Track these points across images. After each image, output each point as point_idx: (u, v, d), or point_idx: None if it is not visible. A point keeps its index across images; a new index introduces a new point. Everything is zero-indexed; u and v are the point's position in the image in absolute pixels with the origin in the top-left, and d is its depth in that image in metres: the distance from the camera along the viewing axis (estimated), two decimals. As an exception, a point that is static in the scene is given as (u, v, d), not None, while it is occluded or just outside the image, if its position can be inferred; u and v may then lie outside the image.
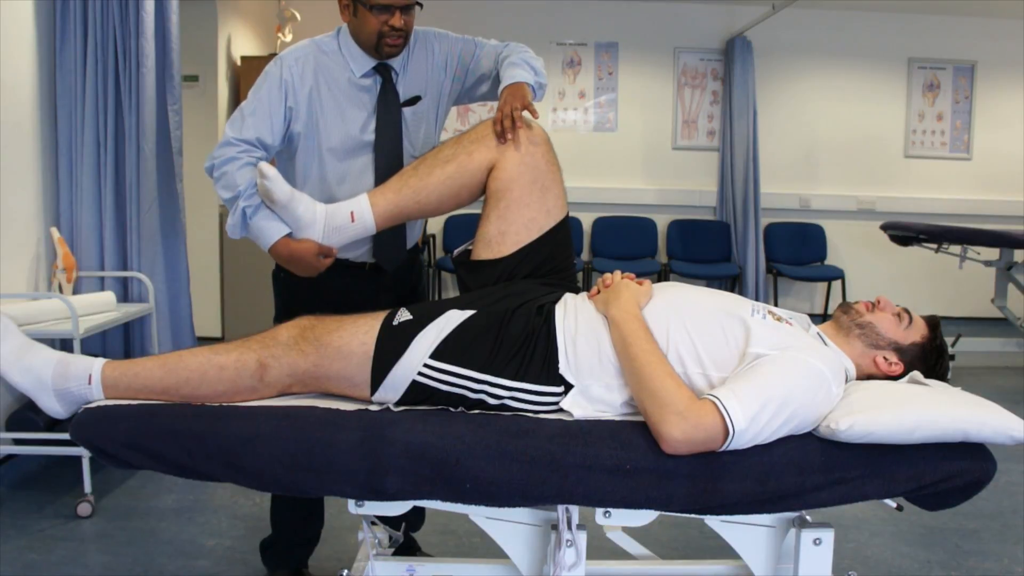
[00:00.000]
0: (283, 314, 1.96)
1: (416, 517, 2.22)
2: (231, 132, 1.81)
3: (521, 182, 1.68)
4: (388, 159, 1.90)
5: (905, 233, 4.75)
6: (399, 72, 1.93)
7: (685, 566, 1.84)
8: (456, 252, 1.80)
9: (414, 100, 1.95)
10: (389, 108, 1.91)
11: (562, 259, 1.74)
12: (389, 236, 1.88)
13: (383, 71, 1.91)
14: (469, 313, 1.52)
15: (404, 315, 1.53)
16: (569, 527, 1.42)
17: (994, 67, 6.26)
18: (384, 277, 2.00)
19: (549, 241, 1.70)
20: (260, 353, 1.49)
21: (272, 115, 1.83)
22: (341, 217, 1.70)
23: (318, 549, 2.21)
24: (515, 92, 1.75)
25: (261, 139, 1.82)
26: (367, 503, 1.44)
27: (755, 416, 1.30)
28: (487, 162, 1.69)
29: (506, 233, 1.68)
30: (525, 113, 1.70)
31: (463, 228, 5.65)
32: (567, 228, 1.75)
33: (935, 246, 4.72)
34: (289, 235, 1.72)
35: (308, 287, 1.83)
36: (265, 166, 1.66)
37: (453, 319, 1.51)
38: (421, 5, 1.87)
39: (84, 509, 2.65)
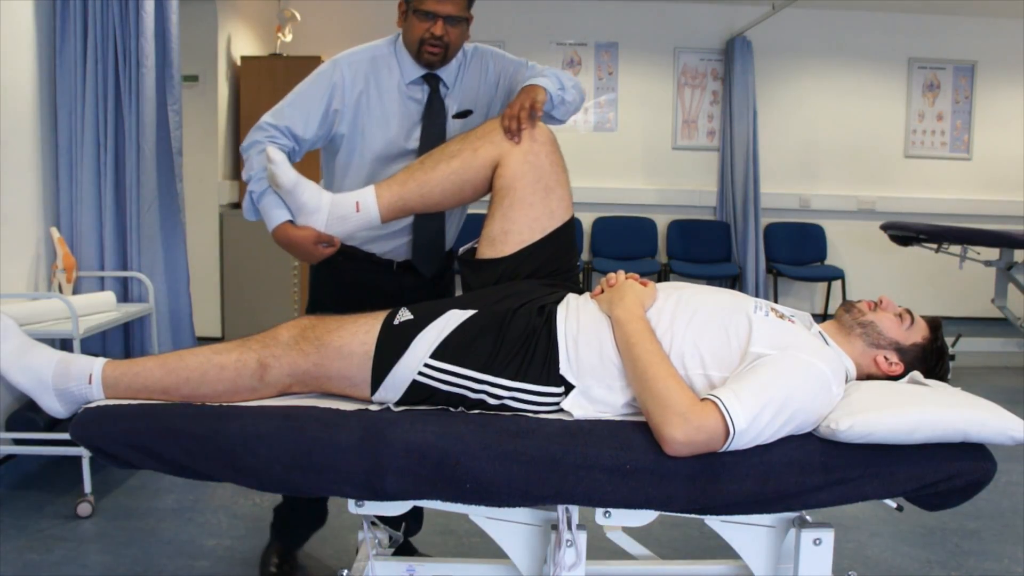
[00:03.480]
0: (315, 306, 2.01)
1: (414, 522, 2.20)
2: (266, 117, 1.85)
3: (525, 180, 1.68)
4: None
5: (905, 233, 4.75)
6: (450, 85, 1.94)
7: (685, 566, 1.84)
8: (462, 250, 1.80)
9: (465, 113, 1.96)
10: (434, 118, 1.92)
11: (565, 261, 1.74)
12: (427, 240, 1.89)
13: (431, 81, 1.92)
14: (470, 313, 1.52)
15: (405, 315, 1.53)
16: (569, 527, 1.42)
17: (994, 67, 6.26)
18: (422, 277, 2.02)
19: (552, 243, 1.70)
20: (260, 353, 1.49)
21: (310, 111, 1.85)
22: (346, 206, 1.70)
23: (318, 549, 2.21)
24: (527, 92, 1.74)
25: (291, 129, 1.84)
26: (367, 503, 1.44)
27: (756, 416, 1.30)
28: (492, 159, 1.69)
29: (509, 232, 1.69)
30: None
31: (471, 226, 5.64)
32: (571, 230, 1.75)
33: (935, 246, 4.72)
34: (291, 222, 1.72)
35: (348, 284, 1.85)
36: (272, 150, 1.65)
37: (454, 319, 1.51)
38: (469, 20, 1.87)
39: (84, 509, 2.65)
